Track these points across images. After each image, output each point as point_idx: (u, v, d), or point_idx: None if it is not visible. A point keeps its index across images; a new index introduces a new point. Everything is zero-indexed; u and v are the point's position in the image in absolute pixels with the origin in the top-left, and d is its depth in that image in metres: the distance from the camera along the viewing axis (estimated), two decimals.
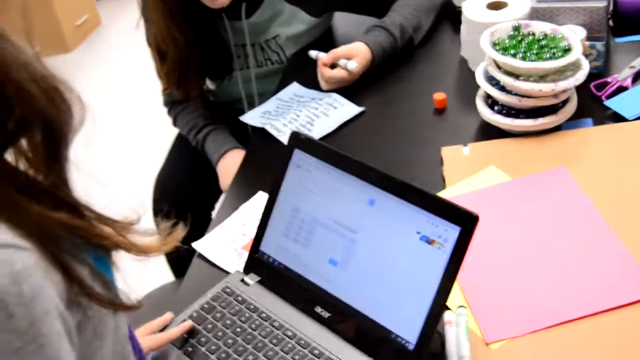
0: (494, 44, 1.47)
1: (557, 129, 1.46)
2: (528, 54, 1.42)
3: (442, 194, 1.36)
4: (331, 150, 1.15)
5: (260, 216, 1.22)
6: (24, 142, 0.74)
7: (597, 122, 1.47)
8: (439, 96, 1.62)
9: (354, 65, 1.72)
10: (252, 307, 1.16)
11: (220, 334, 1.13)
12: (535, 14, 1.60)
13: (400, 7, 1.86)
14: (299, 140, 1.18)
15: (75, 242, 0.77)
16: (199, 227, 1.50)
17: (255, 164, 1.61)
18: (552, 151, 1.41)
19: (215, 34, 1.84)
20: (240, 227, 1.40)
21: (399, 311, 1.04)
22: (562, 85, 1.39)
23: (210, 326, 1.14)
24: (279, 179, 1.20)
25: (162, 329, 1.16)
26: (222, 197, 1.58)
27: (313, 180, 1.15)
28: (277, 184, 1.20)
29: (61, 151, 0.76)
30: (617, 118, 1.47)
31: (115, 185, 1.95)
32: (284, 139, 1.59)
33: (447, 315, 1.10)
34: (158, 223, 0.95)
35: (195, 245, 1.37)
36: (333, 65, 1.76)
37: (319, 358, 1.06)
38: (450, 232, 1.00)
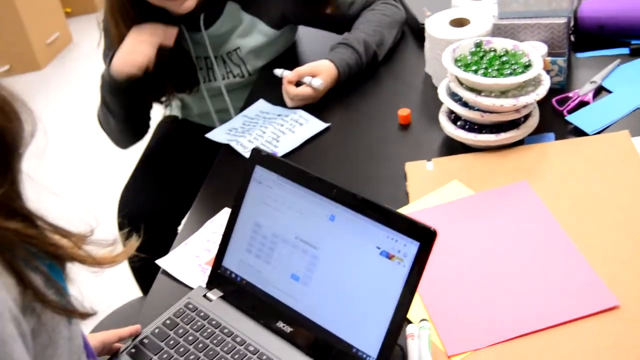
0: (456, 61, 1.49)
1: (519, 143, 1.48)
2: (489, 70, 1.44)
3: (405, 209, 1.37)
4: (292, 166, 1.15)
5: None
6: None
7: (559, 136, 1.49)
8: (403, 112, 1.63)
9: (319, 83, 1.73)
10: (214, 322, 1.16)
11: (182, 350, 1.12)
12: (497, 31, 1.62)
13: (362, 24, 1.88)
14: (260, 156, 1.19)
15: (30, 250, 0.77)
16: (165, 242, 1.50)
17: (221, 181, 1.61)
18: (514, 165, 1.43)
19: (176, 44, 1.82)
20: (205, 243, 1.40)
21: (360, 325, 1.05)
22: (523, 100, 1.40)
23: (172, 342, 1.14)
24: (240, 195, 1.20)
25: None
26: (187, 215, 1.58)
27: (274, 197, 1.16)
28: (239, 200, 1.20)
29: (13, 162, 0.76)
30: (579, 133, 1.49)
31: (69, 197, 1.94)
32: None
33: (409, 329, 1.11)
34: (122, 237, 0.95)
35: (160, 262, 1.37)
36: (298, 83, 1.77)
37: None
38: (410, 247, 1.01)
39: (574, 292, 1.14)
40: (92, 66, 4.42)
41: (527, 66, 1.44)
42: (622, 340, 1.06)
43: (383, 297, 1.02)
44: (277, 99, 1.82)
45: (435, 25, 1.71)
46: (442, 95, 1.50)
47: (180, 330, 1.16)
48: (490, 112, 1.43)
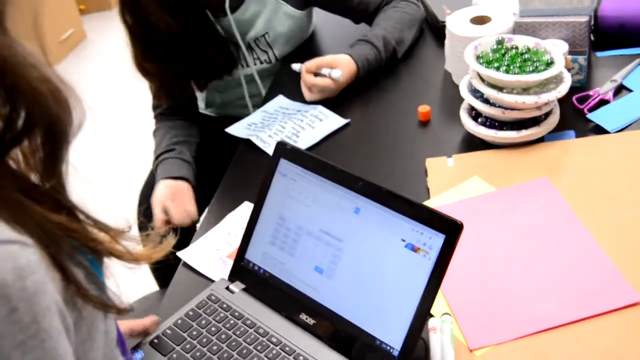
0: (478, 57, 1.49)
1: (540, 140, 1.48)
2: (511, 67, 1.44)
3: (426, 204, 1.37)
4: (316, 159, 1.16)
5: (245, 226, 1.23)
6: (25, 145, 0.74)
7: (580, 134, 1.49)
8: (423, 109, 1.63)
9: (339, 74, 1.73)
10: (237, 314, 1.16)
11: (205, 340, 1.13)
12: (519, 29, 1.62)
13: (383, 20, 1.89)
14: (284, 149, 1.19)
15: (72, 244, 0.78)
16: (184, 236, 1.50)
17: (241, 175, 1.61)
18: (534, 162, 1.43)
19: (208, 27, 1.81)
20: (226, 236, 1.40)
21: (384, 318, 1.05)
22: (545, 97, 1.40)
23: (195, 333, 1.14)
24: (264, 187, 1.20)
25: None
26: (207, 208, 1.58)
27: (298, 189, 1.16)
28: (263, 193, 1.20)
29: (62, 153, 0.76)
30: (599, 130, 1.49)
31: (105, 193, 1.95)
32: (270, 150, 1.60)
33: (431, 322, 1.11)
34: (143, 231, 0.96)
35: (180, 254, 1.37)
36: (316, 76, 1.77)
37: None
38: (435, 240, 1.01)
39: (596, 288, 1.15)
40: (106, 63, 4.46)
41: (549, 64, 1.44)
42: None
43: (407, 289, 1.03)
44: (296, 95, 1.82)
45: (456, 23, 1.72)
46: (464, 91, 1.51)
47: (203, 322, 1.16)
48: (512, 109, 1.43)
